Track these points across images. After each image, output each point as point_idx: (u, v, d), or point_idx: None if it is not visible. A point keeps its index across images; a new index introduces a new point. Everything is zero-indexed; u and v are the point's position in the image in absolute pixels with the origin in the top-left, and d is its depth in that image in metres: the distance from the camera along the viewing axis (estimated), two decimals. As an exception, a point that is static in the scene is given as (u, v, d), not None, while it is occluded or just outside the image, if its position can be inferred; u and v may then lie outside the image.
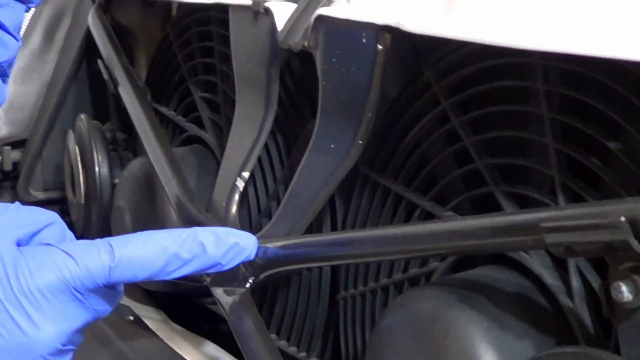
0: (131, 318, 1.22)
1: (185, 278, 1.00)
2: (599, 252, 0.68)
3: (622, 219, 0.64)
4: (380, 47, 0.91)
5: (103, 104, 1.76)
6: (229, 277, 1.03)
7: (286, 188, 1.17)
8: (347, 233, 0.94)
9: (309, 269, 1.16)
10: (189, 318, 1.45)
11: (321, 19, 0.97)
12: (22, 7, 0.79)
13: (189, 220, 1.14)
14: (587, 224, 0.67)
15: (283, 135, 1.20)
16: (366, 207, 1.05)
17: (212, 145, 1.37)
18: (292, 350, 1.20)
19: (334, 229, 1.11)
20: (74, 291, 0.76)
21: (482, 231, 0.76)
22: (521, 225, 0.72)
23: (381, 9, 0.90)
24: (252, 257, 0.87)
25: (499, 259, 0.91)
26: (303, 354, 1.19)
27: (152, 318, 1.36)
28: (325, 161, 0.98)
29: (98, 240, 0.79)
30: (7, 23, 0.78)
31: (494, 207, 0.89)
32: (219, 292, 1.04)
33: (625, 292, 0.68)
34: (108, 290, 0.80)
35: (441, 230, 0.80)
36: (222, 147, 1.33)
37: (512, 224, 0.73)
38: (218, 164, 1.35)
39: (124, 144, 1.62)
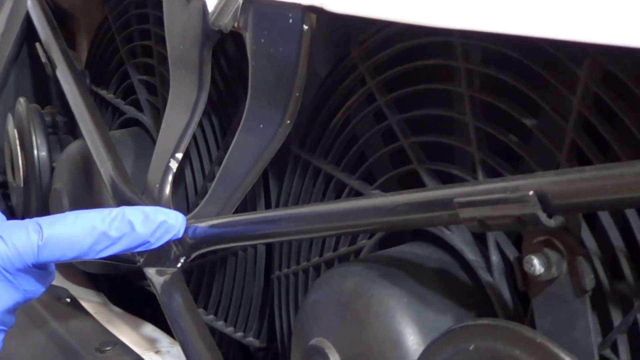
0: (68, 300, 1.22)
1: (118, 259, 1.01)
2: (511, 226, 0.69)
3: (531, 192, 0.66)
4: (306, 27, 0.91)
5: (44, 88, 1.75)
6: (160, 257, 1.04)
7: (221, 169, 1.18)
8: (272, 211, 0.95)
9: (244, 250, 1.17)
10: (131, 300, 1.46)
11: (250, 0, 0.97)
12: None
13: (123, 202, 1.14)
14: (498, 198, 0.68)
15: (218, 117, 1.21)
16: (298, 187, 1.06)
17: (149, 128, 1.37)
18: (229, 330, 1.22)
19: (268, 208, 1.12)
20: (2, 271, 0.76)
21: (401, 207, 0.77)
22: (437, 200, 0.74)
23: (306, -11, 0.91)
24: (180, 235, 0.88)
25: (425, 236, 0.92)
26: (240, 334, 1.21)
27: (90, 300, 1.37)
28: (254, 141, 0.99)
29: (27, 220, 0.80)
30: None
31: (419, 185, 0.90)
32: (151, 272, 1.05)
33: (537, 265, 0.70)
34: (38, 270, 0.80)
35: (362, 206, 0.81)
36: (159, 129, 1.33)
37: (429, 200, 0.75)
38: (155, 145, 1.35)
39: (65, 128, 1.61)
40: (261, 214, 0.94)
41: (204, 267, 1.25)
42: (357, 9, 0.83)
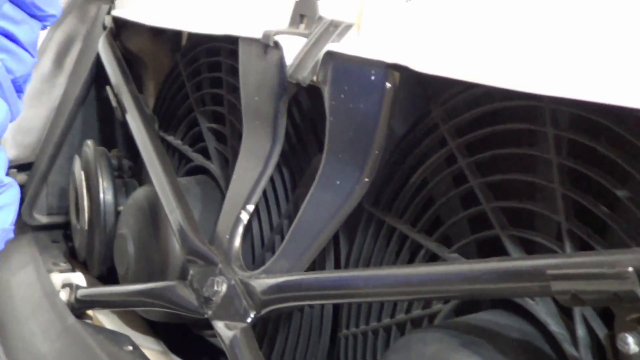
0: (130, 348, 1.20)
1: (187, 310, 0.98)
2: (605, 301, 0.67)
3: (630, 269, 0.64)
4: (389, 85, 0.90)
5: (110, 131, 1.76)
6: (230, 311, 1.03)
7: (290, 223, 1.16)
8: (350, 271, 0.93)
9: (311, 305, 1.14)
10: (189, 350, 1.44)
11: (330, 54, 0.96)
12: (38, 24, 0.80)
13: (191, 251, 1.13)
14: (594, 273, 0.66)
15: (289, 170, 1.19)
16: (370, 245, 1.04)
17: (217, 177, 1.36)
18: (293, 388, 1.19)
19: (337, 266, 1.10)
20: None
21: (488, 275, 0.75)
22: (527, 271, 0.72)
23: (391, 47, 0.90)
24: None
25: (504, 303, 0.90)
26: (303, 391, 1.18)
27: (151, 348, 1.35)
28: (330, 197, 0.97)
29: None
30: (23, 39, 0.79)
31: (498, 250, 0.88)
32: (220, 325, 1.03)
33: (631, 343, 0.67)
34: None
35: (447, 272, 0.80)
36: (228, 179, 1.32)
37: (519, 270, 0.72)
38: (223, 195, 1.34)
39: (130, 172, 1.61)
40: (337, 273, 0.92)
41: (268, 321, 1.23)
42: (446, 70, 0.82)
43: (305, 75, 1.00)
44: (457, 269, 0.79)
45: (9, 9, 0.77)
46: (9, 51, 0.78)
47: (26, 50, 0.80)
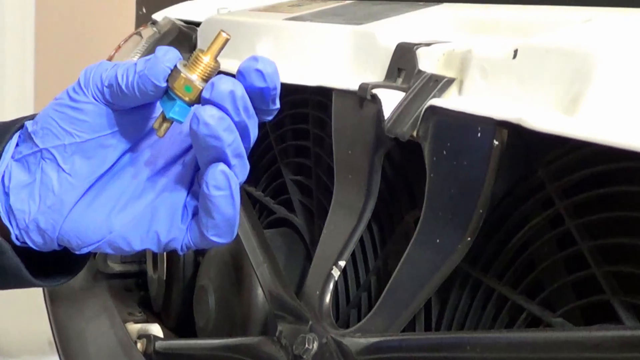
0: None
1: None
2: None
3: None
4: (496, 142, 0.87)
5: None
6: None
7: (378, 280, 1.15)
8: (454, 334, 0.90)
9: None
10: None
11: (433, 109, 0.94)
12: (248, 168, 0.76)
13: (281, 307, 1.11)
14: None
15: (379, 225, 1.17)
16: (465, 306, 1.01)
17: (302, 230, 1.34)
18: None
19: (427, 327, 1.07)
20: None
21: (608, 344, 0.72)
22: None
23: (498, 104, 0.88)
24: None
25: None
26: None
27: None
28: (429, 256, 0.95)
29: None
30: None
31: (603, 315, 0.85)
32: (310, 385, 1.01)
33: None
34: None
35: (562, 339, 0.76)
36: (312, 232, 1.30)
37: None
38: (307, 248, 1.32)
39: (209, 222, 1.59)
40: (441, 335, 0.89)
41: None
42: (561, 127, 0.79)
43: (404, 130, 0.98)
44: (573, 335, 0.76)
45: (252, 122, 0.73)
46: (241, 158, 0.74)
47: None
